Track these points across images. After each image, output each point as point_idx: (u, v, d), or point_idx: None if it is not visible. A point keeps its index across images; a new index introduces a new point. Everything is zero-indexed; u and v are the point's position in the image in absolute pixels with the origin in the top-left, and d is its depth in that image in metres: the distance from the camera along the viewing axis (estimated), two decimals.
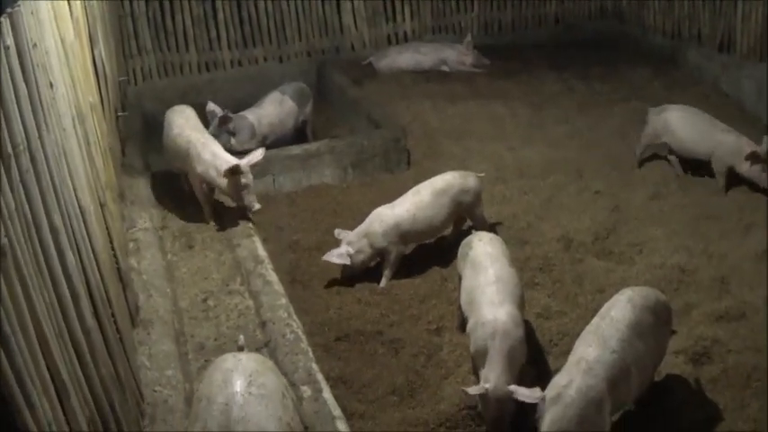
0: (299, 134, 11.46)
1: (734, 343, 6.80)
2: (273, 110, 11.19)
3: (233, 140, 10.48)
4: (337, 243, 8.17)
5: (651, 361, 6.03)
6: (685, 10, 13.08)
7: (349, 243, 8.10)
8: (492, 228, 8.59)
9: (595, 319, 5.97)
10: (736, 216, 8.75)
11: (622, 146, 10.62)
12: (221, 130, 10.41)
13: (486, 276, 6.57)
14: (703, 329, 6.94)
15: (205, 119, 10.37)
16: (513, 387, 5.89)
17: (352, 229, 8.38)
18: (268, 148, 10.62)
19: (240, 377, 4.83)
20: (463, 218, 8.67)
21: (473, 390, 6.00)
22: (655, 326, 6.03)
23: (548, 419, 5.47)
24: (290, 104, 11.33)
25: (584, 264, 8.11)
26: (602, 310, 6.06)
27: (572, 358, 5.74)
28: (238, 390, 4.75)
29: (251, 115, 10.93)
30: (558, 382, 5.60)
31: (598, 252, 8.33)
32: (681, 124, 9.80)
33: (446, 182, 8.48)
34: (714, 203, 9.10)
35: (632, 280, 7.65)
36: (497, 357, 6.08)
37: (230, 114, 10.64)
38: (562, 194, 9.44)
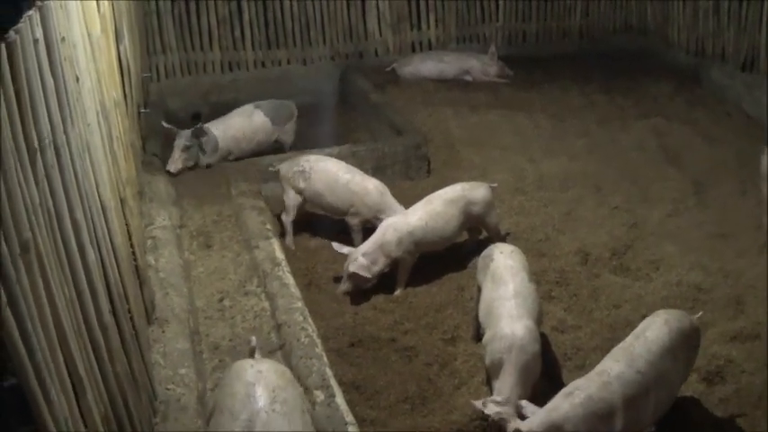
0: (275, 152, 10.89)
1: (747, 363, 6.78)
2: (240, 123, 10.81)
3: (200, 155, 10.19)
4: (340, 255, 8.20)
5: (677, 383, 6.03)
6: (710, 27, 13.07)
7: (365, 254, 8.09)
8: (508, 238, 8.59)
9: (629, 338, 5.98)
10: (753, 235, 8.71)
11: (642, 161, 10.60)
12: (195, 142, 10.06)
13: (506, 290, 6.58)
14: (717, 349, 6.91)
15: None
16: (523, 402, 5.87)
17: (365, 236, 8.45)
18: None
19: (264, 392, 4.83)
20: (478, 227, 8.68)
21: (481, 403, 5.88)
22: (685, 350, 6.05)
23: (551, 406, 5.49)
24: (260, 119, 10.93)
25: (600, 279, 8.10)
26: (638, 329, 6.05)
27: (597, 368, 5.76)
28: (262, 406, 4.76)
29: (215, 128, 10.53)
30: (575, 383, 5.64)
31: (615, 267, 8.31)
32: None
33: (455, 193, 8.51)
34: (731, 222, 9.06)
35: (648, 297, 7.68)
36: (512, 371, 6.08)
37: (205, 127, 10.26)
38: (581, 208, 9.42)
